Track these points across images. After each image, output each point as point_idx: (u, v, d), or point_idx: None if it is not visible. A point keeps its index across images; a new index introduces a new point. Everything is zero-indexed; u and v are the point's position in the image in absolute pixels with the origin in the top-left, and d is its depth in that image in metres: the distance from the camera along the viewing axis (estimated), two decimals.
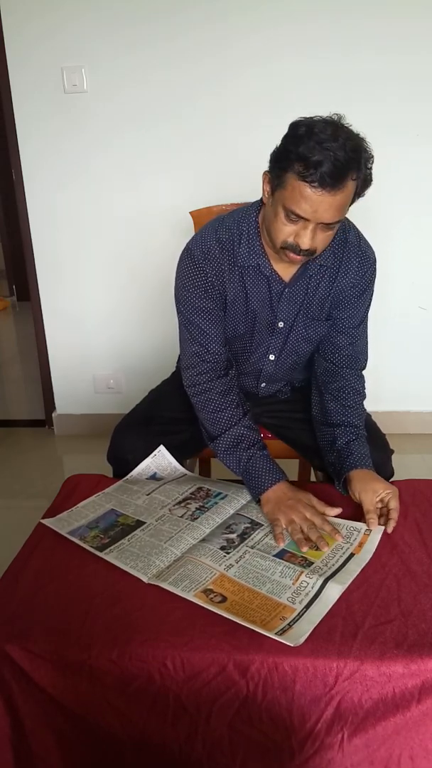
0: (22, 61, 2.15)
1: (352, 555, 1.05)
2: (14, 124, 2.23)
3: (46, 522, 1.13)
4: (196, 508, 1.18)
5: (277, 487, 1.17)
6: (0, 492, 2.27)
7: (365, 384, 1.34)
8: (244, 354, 1.37)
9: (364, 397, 1.33)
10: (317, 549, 1.06)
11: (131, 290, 2.40)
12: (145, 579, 0.98)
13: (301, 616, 0.91)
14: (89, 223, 2.33)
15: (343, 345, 1.32)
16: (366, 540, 1.08)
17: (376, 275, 1.31)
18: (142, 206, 2.29)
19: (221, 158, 2.18)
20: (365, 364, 1.36)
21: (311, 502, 1.14)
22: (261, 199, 1.21)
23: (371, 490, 1.13)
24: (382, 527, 1.11)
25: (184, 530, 1.11)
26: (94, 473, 1.35)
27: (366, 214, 2.22)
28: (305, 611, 0.92)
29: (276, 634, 0.87)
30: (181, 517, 1.15)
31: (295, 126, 1.06)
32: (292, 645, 0.85)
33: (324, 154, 0.99)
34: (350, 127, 1.06)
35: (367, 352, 1.37)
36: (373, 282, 1.31)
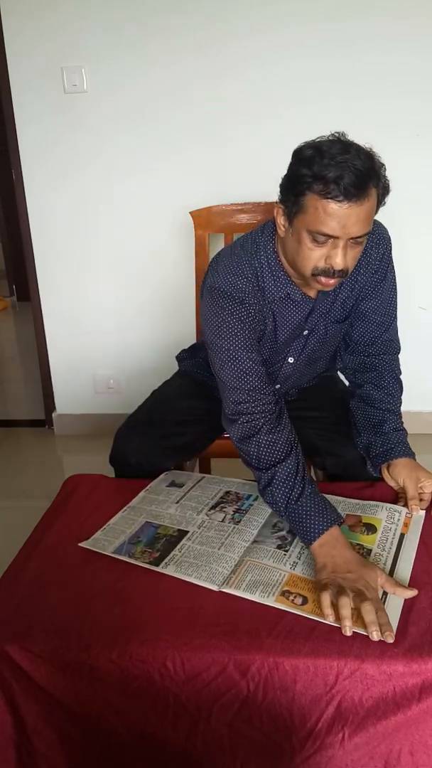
0: (22, 61, 2.15)
1: (403, 534, 1.09)
2: (14, 124, 2.23)
3: (85, 545, 1.08)
4: (234, 511, 1.18)
5: (336, 536, 1.02)
6: (0, 492, 2.26)
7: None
8: (266, 363, 1.34)
9: (402, 385, 1.34)
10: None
11: (131, 290, 2.40)
12: (215, 588, 0.97)
13: (384, 604, 0.92)
14: (89, 223, 2.33)
15: (377, 334, 1.30)
16: (410, 521, 1.13)
17: (391, 246, 1.27)
18: (142, 206, 2.29)
19: (221, 158, 2.18)
20: (400, 347, 1.36)
21: (375, 581, 0.95)
22: (269, 230, 1.19)
23: (415, 478, 1.15)
24: (423, 511, 1.15)
25: (232, 534, 1.10)
26: (95, 473, 1.35)
27: None
28: (386, 599, 0.93)
29: (364, 630, 0.88)
30: (222, 521, 1.14)
31: (299, 151, 1.04)
32: (390, 641, 0.86)
33: (342, 167, 0.97)
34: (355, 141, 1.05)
35: (397, 334, 1.36)
36: (391, 256, 1.26)
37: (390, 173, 2.27)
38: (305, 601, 0.94)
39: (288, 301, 1.22)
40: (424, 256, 2.29)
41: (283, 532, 1.11)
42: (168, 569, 1.01)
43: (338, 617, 0.89)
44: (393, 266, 1.28)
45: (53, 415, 2.67)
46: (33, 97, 2.18)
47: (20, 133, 2.24)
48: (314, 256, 1.07)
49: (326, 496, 1.22)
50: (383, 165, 1.05)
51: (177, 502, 1.21)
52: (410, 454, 1.21)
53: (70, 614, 0.93)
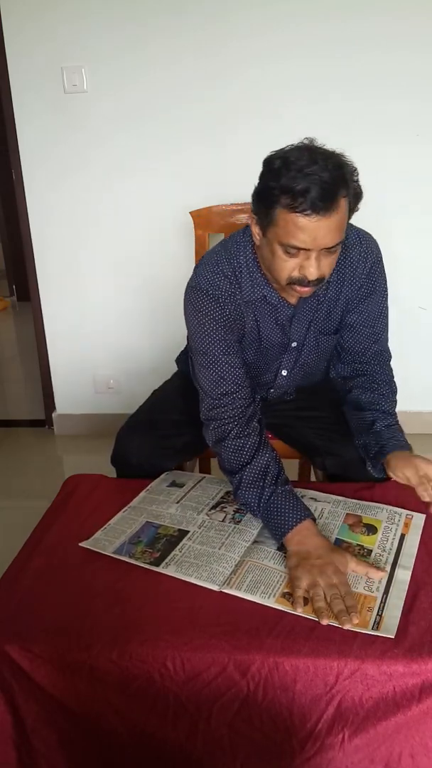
0: (22, 61, 2.15)
1: (403, 535, 1.09)
2: (14, 124, 2.23)
3: (85, 545, 1.08)
4: (235, 511, 1.17)
5: (306, 530, 1.05)
6: (0, 492, 2.26)
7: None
8: (257, 371, 1.35)
9: (395, 388, 1.29)
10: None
11: (131, 290, 2.40)
12: (216, 588, 0.97)
13: (385, 604, 0.93)
14: (89, 223, 2.33)
15: (366, 345, 1.28)
16: (410, 522, 1.13)
17: (382, 260, 1.26)
18: (142, 206, 2.29)
19: (221, 158, 2.18)
20: (390, 356, 1.33)
21: (345, 565, 0.99)
22: (250, 232, 1.17)
23: (413, 466, 1.08)
24: (424, 515, 1.15)
25: (232, 534, 1.10)
26: (95, 473, 1.35)
27: (366, 214, 2.22)
28: (386, 598, 0.94)
29: (372, 629, 0.88)
30: (223, 521, 1.14)
31: (269, 161, 1.03)
32: (392, 637, 0.86)
33: (308, 179, 0.96)
34: (325, 147, 1.03)
35: (387, 344, 1.33)
36: (381, 270, 1.25)
37: (390, 173, 2.28)
38: (305, 602, 0.94)
39: (265, 303, 1.21)
40: (425, 255, 2.29)
41: None
42: (168, 569, 1.01)
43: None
44: (384, 279, 1.26)
45: (53, 415, 2.67)
46: (33, 97, 2.18)
47: (20, 133, 2.24)
48: (288, 267, 1.07)
49: (327, 495, 1.22)
50: (355, 170, 1.04)
51: (177, 502, 1.21)
52: (404, 447, 1.17)
53: (70, 614, 0.93)
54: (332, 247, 1.04)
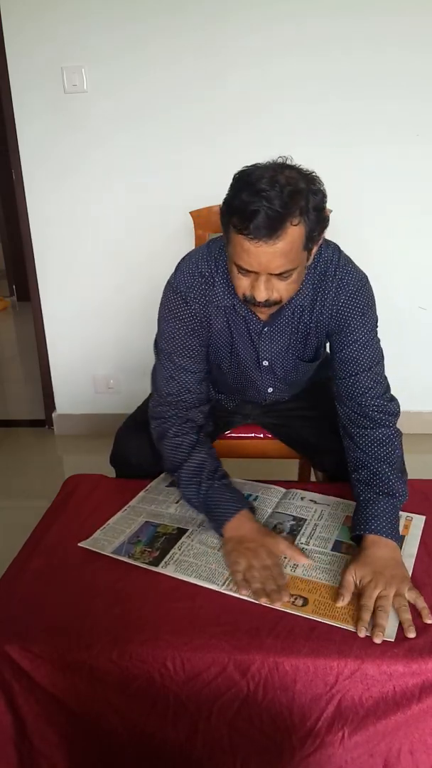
0: (22, 61, 2.15)
1: (403, 537, 1.09)
2: (14, 124, 2.23)
3: (84, 545, 1.07)
4: None
5: (241, 518, 1.08)
6: (0, 492, 2.26)
7: (395, 413, 1.19)
8: (243, 386, 1.35)
9: (394, 438, 1.17)
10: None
11: (131, 290, 2.40)
12: (217, 588, 0.97)
13: None
14: (89, 223, 2.33)
15: (356, 370, 1.18)
16: (410, 524, 1.14)
17: (369, 296, 1.21)
18: (142, 206, 2.29)
19: (221, 158, 2.17)
20: (397, 410, 1.21)
21: (277, 548, 1.04)
22: None
23: (350, 571, 0.98)
24: (424, 517, 1.14)
25: None
26: (95, 473, 1.35)
27: (366, 214, 2.23)
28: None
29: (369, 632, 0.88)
30: None
31: (235, 177, 1.02)
32: (392, 640, 0.86)
33: (257, 204, 0.94)
34: (298, 167, 1.02)
35: (386, 382, 1.23)
36: (360, 302, 1.18)
37: (390, 173, 2.27)
38: (306, 602, 0.94)
39: (234, 313, 1.20)
40: (425, 255, 2.29)
41: (284, 534, 1.11)
42: (167, 569, 1.01)
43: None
44: (368, 313, 1.19)
45: (53, 415, 2.67)
46: (33, 97, 2.18)
47: (20, 133, 2.24)
48: (242, 285, 1.06)
49: (326, 497, 1.22)
50: (319, 195, 1.00)
51: (177, 502, 1.21)
52: (374, 531, 1.03)
53: (70, 614, 0.93)
54: (282, 273, 1.02)
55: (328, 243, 1.21)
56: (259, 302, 1.06)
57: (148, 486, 1.28)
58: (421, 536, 1.10)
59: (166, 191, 2.25)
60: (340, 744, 0.86)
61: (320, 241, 1.08)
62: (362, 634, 0.88)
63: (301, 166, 1.03)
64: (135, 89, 2.14)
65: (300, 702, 0.86)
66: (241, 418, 1.49)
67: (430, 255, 2.29)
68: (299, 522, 1.14)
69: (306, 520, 1.15)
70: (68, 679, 0.89)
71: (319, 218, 1.01)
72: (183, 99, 2.13)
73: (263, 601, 0.93)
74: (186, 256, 1.25)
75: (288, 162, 1.03)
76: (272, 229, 0.95)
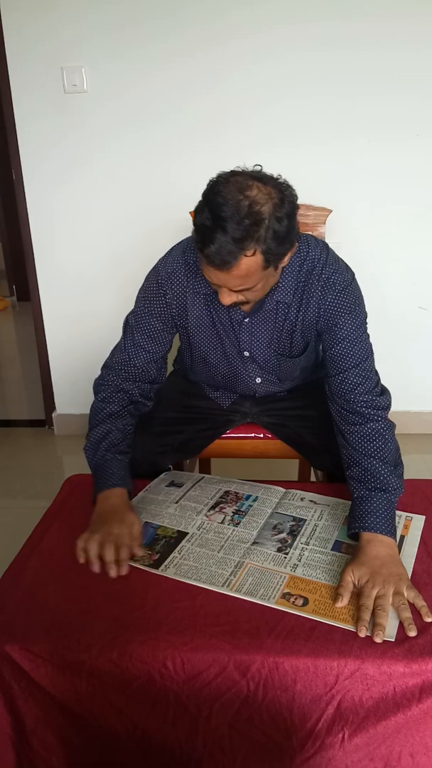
0: (22, 61, 2.15)
1: (402, 536, 1.10)
2: (14, 124, 2.23)
3: None
4: (233, 512, 1.18)
5: (112, 493, 1.13)
6: (0, 492, 2.26)
7: (385, 406, 1.19)
8: (231, 377, 1.36)
9: (384, 432, 1.16)
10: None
11: (131, 290, 2.39)
12: (217, 590, 0.97)
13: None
14: (89, 222, 2.33)
15: (346, 366, 1.19)
16: (410, 524, 1.14)
17: (356, 293, 1.21)
18: (142, 206, 2.29)
19: (221, 157, 2.16)
20: (388, 403, 1.20)
21: (132, 529, 1.07)
22: None
23: (348, 571, 0.98)
24: (423, 517, 1.14)
25: (231, 536, 1.10)
26: None
27: (366, 214, 2.23)
28: None
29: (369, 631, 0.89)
30: (222, 523, 1.14)
31: (207, 185, 1.02)
32: (392, 640, 0.87)
33: (213, 233, 0.95)
34: (272, 180, 1.01)
35: (376, 377, 1.23)
36: (348, 300, 1.19)
37: (390, 173, 2.27)
38: (306, 602, 0.94)
39: (217, 300, 1.18)
40: (425, 255, 2.29)
41: (284, 534, 1.11)
42: (168, 572, 1.01)
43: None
44: (356, 310, 1.20)
45: (53, 415, 2.67)
46: (33, 97, 2.18)
47: (20, 133, 2.24)
48: (212, 286, 1.10)
49: (325, 497, 1.22)
50: (284, 214, 0.98)
51: (176, 502, 1.21)
52: (369, 529, 1.03)
53: (70, 614, 0.93)
54: (242, 290, 1.05)
55: (317, 241, 1.22)
56: (226, 306, 1.10)
57: (148, 486, 1.28)
58: (421, 536, 1.10)
59: (167, 191, 2.25)
60: (340, 746, 0.86)
61: (293, 250, 1.09)
62: (363, 634, 0.88)
63: (277, 178, 1.02)
64: (135, 89, 2.14)
65: (300, 702, 0.86)
66: (239, 417, 1.49)
67: (430, 255, 2.29)
68: (299, 522, 1.14)
69: (306, 520, 1.15)
70: (68, 679, 0.89)
71: (284, 240, 1.01)
72: (183, 99, 2.13)
73: (94, 570, 1.01)
74: (180, 242, 1.27)
75: (262, 171, 1.02)
76: (224, 262, 0.98)
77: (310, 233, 1.63)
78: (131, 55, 2.11)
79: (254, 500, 1.22)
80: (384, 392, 1.21)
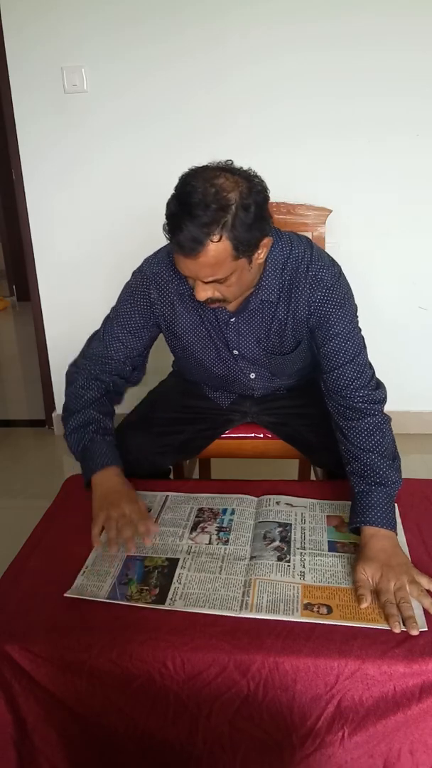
0: (22, 61, 2.15)
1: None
2: (14, 124, 2.23)
3: (72, 595, 0.96)
4: (217, 530, 1.13)
5: (110, 472, 1.17)
6: (0, 492, 2.26)
7: (381, 400, 1.19)
8: (226, 375, 1.36)
9: (381, 425, 1.16)
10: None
11: None
12: (236, 615, 0.92)
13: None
14: (89, 222, 2.33)
15: (337, 363, 1.19)
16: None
17: (345, 288, 1.21)
18: (142, 206, 2.28)
19: (222, 157, 2.17)
20: (383, 396, 1.20)
21: (140, 506, 1.12)
22: None
23: (360, 570, 0.98)
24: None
25: (226, 555, 1.06)
26: None
27: (366, 214, 2.23)
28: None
29: (403, 626, 0.89)
30: (210, 543, 1.10)
31: (180, 177, 1.06)
32: (426, 629, 0.88)
33: (180, 220, 0.99)
34: (240, 171, 1.04)
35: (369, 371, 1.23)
36: (336, 299, 1.19)
37: (390, 173, 2.27)
38: (330, 610, 0.93)
39: (193, 298, 1.19)
40: (425, 255, 2.29)
41: (277, 542, 1.08)
42: (176, 605, 0.95)
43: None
44: (345, 305, 1.20)
45: (53, 415, 2.67)
46: (33, 97, 2.18)
47: (20, 133, 2.24)
48: (188, 281, 1.12)
49: (301, 499, 1.21)
50: (249, 208, 1.00)
51: None
52: (372, 523, 1.04)
53: (70, 614, 0.93)
54: (213, 280, 1.06)
55: (300, 238, 1.22)
56: (201, 301, 1.11)
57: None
58: (421, 536, 1.10)
59: (167, 191, 2.23)
60: (340, 744, 0.86)
61: (267, 244, 1.09)
62: (398, 629, 0.88)
63: (246, 170, 1.05)
64: (135, 89, 2.14)
65: (300, 701, 0.86)
66: (239, 416, 1.49)
67: (430, 255, 2.29)
68: (285, 527, 1.12)
69: (291, 524, 1.13)
70: (68, 678, 0.89)
71: (252, 228, 1.02)
72: (183, 98, 2.14)
73: (113, 551, 1.03)
74: (167, 243, 1.25)
75: (230, 165, 1.05)
76: (191, 248, 1.00)
77: (309, 233, 1.63)
78: (131, 55, 2.11)
79: (232, 513, 1.17)
80: (379, 386, 1.22)
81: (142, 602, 0.95)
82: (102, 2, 2.06)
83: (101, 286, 2.41)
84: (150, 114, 2.17)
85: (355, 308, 1.23)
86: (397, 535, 1.06)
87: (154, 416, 1.41)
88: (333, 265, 1.22)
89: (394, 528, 1.06)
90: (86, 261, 2.38)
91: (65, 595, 0.97)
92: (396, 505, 1.12)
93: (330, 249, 1.53)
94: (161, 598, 0.96)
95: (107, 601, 0.96)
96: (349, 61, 2.05)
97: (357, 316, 1.23)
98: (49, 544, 1.11)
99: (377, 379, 1.23)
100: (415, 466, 2.21)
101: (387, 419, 1.18)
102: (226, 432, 1.50)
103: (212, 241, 0.99)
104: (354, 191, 2.19)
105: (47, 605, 0.95)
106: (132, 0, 2.05)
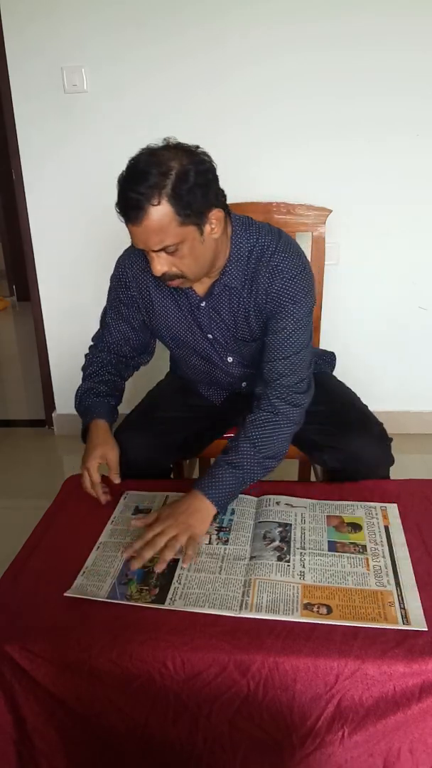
0: (22, 61, 2.15)
1: (387, 527, 1.12)
2: (14, 125, 2.23)
3: (73, 595, 0.97)
4: (217, 530, 1.13)
5: (101, 425, 1.29)
6: (0, 492, 2.26)
7: (297, 404, 1.21)
8: (207, 363, 1.37)
9: (277, 426, 1.19)
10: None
11: None
12: (234, 615, 0.93)
13: (402, 596, 0.95)
14: (89, 222, 2.32)
15: (274, 355, 1.21)
16: (387, 513, 1.16)
17: (305, 283, 1.21)
18: None
19: (221, 157, 2.17)
20: (297, 380, 1.21)
21: (106, 456, 1.24)
22: None
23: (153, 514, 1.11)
24: (395, 504, 1.17)
25: (226, 555, 1.06)
26: None
27: (366, 213, 2.23)
28: (400, 590, 0.96)
29: (403, 624, 0.89)
30: (210, 543, 1.10)
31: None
32: (426, 629, 0.88)
33: (123, 188, 1.04)
34: (182, 146, 1.11)
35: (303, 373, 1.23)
36: (295, 296, 1.19)
37: (390, 173, 2.27)
38: (329, 610, 0.93)
39: (172, 287, 1.24)
40: (425, 255, 2.29)
41: (276, 542, 1.08)
42: (176, 605, 0.95)
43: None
44: (301, 300, 1.20)
45: (53, 415, 2.67)
46: (33, 97, 2.18)
47: (20, 133, 2.24)
48: (146, 259, 1.14)
49: (301, 499, 1.21)
50: (188, 174, 1.05)
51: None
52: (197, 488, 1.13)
53: (70, 614, 0.93)
54: (161, 249, 1.08)
55: (270, 228, 1.23)
56: (158, 276, 1.13)
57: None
58: (421, 536, 1.10)
59: None
60: (340, 743, 0.86)
61: (219, 218, 1.12)
62: (131, 560, 1.00)
63: (186, 145, 1.11)
64: (135, 89, 2.14)
65: (300, 701, 0.86)
66: (239, 417, 1.49)
67: (430, 254, 2.29)
68: (286, 528, 1.12)
69: (291, 524, 1.13)
70: (69, 678, 0.89)
71: (193, 192, 1.05)
72: (183, 99, 2.14)
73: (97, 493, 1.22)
74: None
75: (178, 143, 1.11)
76: (133, 213, 1.04)
77: (309, 233, 1.63)
78: (131, 55, 2.11)
79: (232, 513, 1.17)
80: (306, 391, 1.24)
81: (142, 602, 0.96)
82: (102, 3, 2.06)
83: (101, 286, 2.40)
84: (150, 114, 2.17)
85: (311, 304, 1.24)
86: (223, 515, 1.14)
87: (154, 416, 1.41)
88: (298, 257, 1.21)
89: (221, 510, 1.12)
90: (86, 261, 2.38)
91: (65, 594, 0.97)
92: (294, 498, 1.19)
93: (330, 249, 1.54)
94: (161, 598, 0.96)
95: (107, 600, 0.96)
96: (349, 61, 2.05)
97: (312, 314, 1.25)
98: (49, 544, 1.11)
99: (311, 383, 1.25)
100: (415, 466, 2.21)
101: (291, 426, 1.22)
102: (227, 432, 1.50)
103: (152, 205, 1.03)
104: (354, 191, 2.19)
105: (47, 605, 0.95)
106: (132, 0, 2.05)
